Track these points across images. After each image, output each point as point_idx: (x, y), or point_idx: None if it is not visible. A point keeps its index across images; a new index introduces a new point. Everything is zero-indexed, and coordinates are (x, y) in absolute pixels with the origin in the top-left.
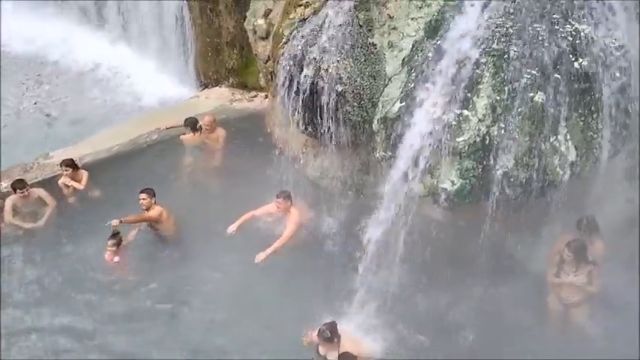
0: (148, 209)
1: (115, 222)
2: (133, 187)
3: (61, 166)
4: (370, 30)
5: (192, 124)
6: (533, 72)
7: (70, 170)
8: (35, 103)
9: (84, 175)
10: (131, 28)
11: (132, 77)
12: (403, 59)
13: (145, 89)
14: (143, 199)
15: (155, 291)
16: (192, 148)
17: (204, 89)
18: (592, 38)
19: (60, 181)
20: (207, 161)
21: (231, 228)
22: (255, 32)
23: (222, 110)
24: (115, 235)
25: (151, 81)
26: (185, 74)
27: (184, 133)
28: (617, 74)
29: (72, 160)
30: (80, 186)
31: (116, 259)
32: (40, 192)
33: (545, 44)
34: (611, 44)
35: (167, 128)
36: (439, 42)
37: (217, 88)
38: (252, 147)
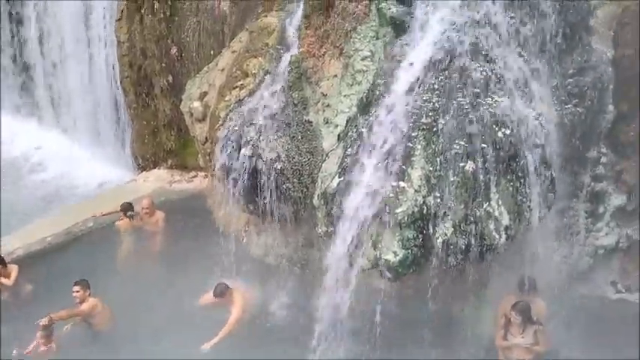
0: (81, 302)
1: (44, 320)
2: (67, 280)
3: None
4: (305, 108)
5: (126, 209)
6: (462, 143)
7: None
8: None
9: (13, 270)
10: (64, 114)
11: (66, 164)
12: (339, 135)
13: (80, 175)
14: (77, 291)
15: None
16: (130, 233)
17: (142, 172)
18: (511, 109)
19: None
20: (147, 247)
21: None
22: (191, 115)
23: (161, 192)
24: (47, 326)
25: (86, 167)
26: (122, 158)
27: (121, 219)
28: (538, 141)
29: None
30: (8, 282)
31: (42, 348)
32: None
33: (470, 116)
34: (529, 113)
35: (103, 215)
36: (371, 118)
37: (156, 170)
38: (193, 228)
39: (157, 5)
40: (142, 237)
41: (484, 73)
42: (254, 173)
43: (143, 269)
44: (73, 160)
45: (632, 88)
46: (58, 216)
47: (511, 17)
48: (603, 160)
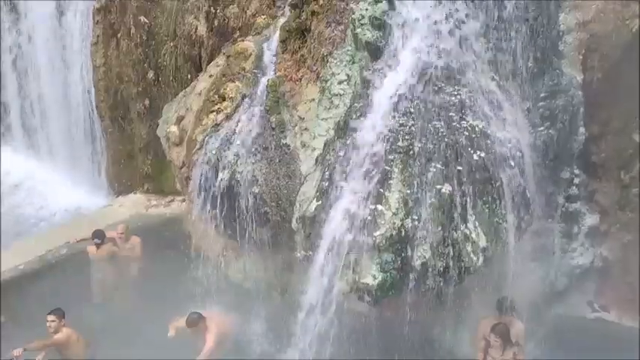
0: (56, 332)
1: (17, 351)
2: (41, 309)
3: None
4: (283, 131)
5: (96, 236)
6: (438, 165)
7: None
8: None
9: None
10: (38, 139)
11: (41, 189)
12: (316, 158)
13: (55, 201)
14: (51, 321)
15: None
16: (105, 260)
17: (118, 197)
18: (485, 132)
19: None
20: (123, 273)
21: None
22: (168, 139)
23: (137, 218)
24: (20, 357)
25: (61, 192)
26: (98, 183)
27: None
28: (512, 163)
29: None
30: None
31: None
32: None
33: (446, 139)
34: (503, 136)
35: (77, 241)
36: (349, 141)
37: (132, 195)
38: (170, 253)
39: (133, 30)
40: (117, 264)
41: (458, 97)
42: (232, 197)
43: (119, 297)
44: (47, 185)
45: (602, 111)
46: (32, 242)
47: (484, 43)
48: (576, 180)
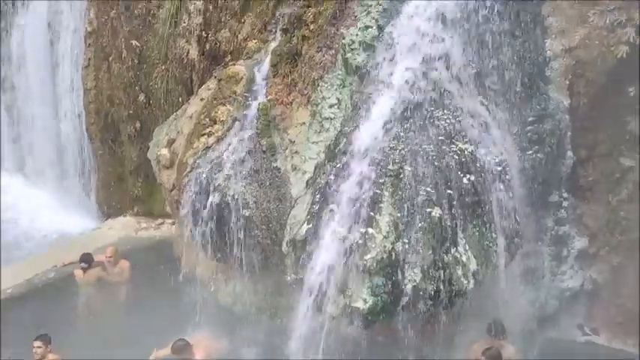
0: (42, 359)
1: None
2: (27, 333)
3: None
4: (273, 155)
5: (83, 260)
6: (428, 189)
7: None
8: None
9: None
10: (27, 160)
11: (30, 212)
12: (307, 181)
13: (44, 223)
14: (37, 347)
15: None
16: (93, 284)
17: (107, 219)
18: (475, 156)
19: None
20: (112, 298)
21: None
22: (159, 162)
23: (126, 241)
24: None
25: (50, 214)
26: (87, 205)
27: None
28: (501, 186)
29: None
30: None
31: None
32: None
33: (436, 163)
34: (491, 160)
35: (65, 265)
36: (339, 164)
37: (121, 217)
38: (160, 277)
39: (124, 53)
40: (106, 288)
41: (448, 120)
42: (222, 220)
43: (108, 322)
44: (36, 207)
45: (589, 135)
46: (19, 265)
47: (473, 67)
48: (565, 204)
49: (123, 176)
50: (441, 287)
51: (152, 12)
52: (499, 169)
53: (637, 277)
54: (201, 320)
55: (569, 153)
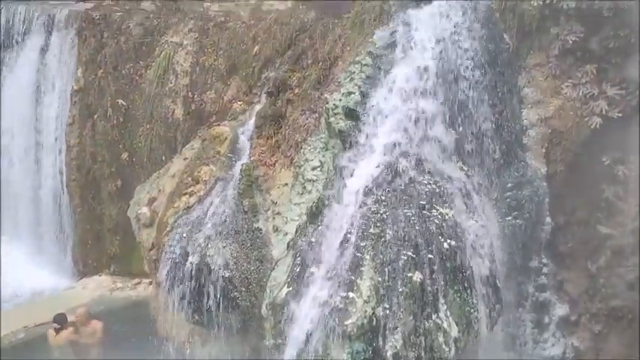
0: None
1: None
2: None
3: None
4: (255, 215)
5: (58, 320)
6: (409, 253)
7: None
8: None
9: None
10: (3, 217)
11: (4, 269)
12: (288, 243)
13: (15, 281)
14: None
15: None
16: (65, 346)
17: (82, 278)
18: (455, 221)
19: None
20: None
21: None
22: (139, 220)
23: (100, 301)
24: None
25: (22, 271)
26: (62, 263)
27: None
28: (482, 252)
29: None
30: None
31: None
32: None
33: (417, 227)
34: (472, 225)
35: (36, 325)
36: (321, 227)
37: (97, 276)
38: (134, 339)
39: (110, 112)
40: (77, 350)
41: (429, 185)
42: (200, 281)
43: None
44: (8, 264)
45: (567, 201)
46: None
47: (453, 134)
48: (545, 270)
49: (101, 234)
50: (422, 354)
51: (140, 72)
52: (479, 234)
53: (619, 346)
54: None
55: (548, 219)
